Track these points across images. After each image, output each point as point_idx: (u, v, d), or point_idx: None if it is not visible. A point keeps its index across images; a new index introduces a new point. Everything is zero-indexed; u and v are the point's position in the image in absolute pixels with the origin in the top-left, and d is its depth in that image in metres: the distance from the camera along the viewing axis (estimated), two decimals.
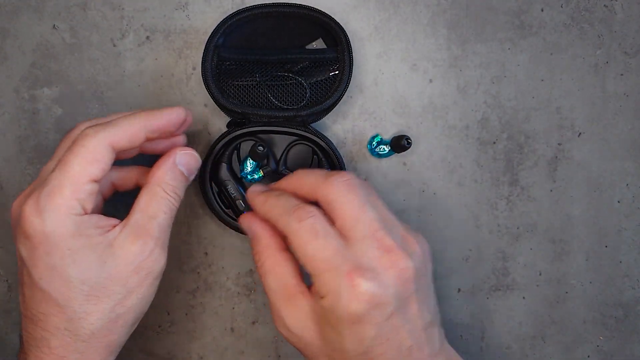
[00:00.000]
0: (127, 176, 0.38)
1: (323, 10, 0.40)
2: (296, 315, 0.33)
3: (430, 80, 0.43)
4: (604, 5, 0.42)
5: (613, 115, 0.43)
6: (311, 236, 0.32)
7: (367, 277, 0.30)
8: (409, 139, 0.39)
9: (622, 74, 0.43)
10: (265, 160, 0.41)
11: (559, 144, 0.43)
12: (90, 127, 0.33)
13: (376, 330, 0.31)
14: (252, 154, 0.39)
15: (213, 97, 0.39)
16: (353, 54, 0.40)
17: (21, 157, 0.43)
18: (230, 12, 0.40)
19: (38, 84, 0.43)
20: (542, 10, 0.42)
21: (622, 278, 0.44)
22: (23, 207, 0.31)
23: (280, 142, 0.41)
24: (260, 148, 0.38)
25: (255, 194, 0.36)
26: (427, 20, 0.42)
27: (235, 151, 0.41)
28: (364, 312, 0.30)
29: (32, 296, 0.32)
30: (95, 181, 0.32)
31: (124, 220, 0.33)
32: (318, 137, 0.40)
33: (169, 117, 0.35)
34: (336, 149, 0.40)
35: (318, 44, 0.41)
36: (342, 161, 0.40)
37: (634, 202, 0.44)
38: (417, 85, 0.43)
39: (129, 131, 0.33)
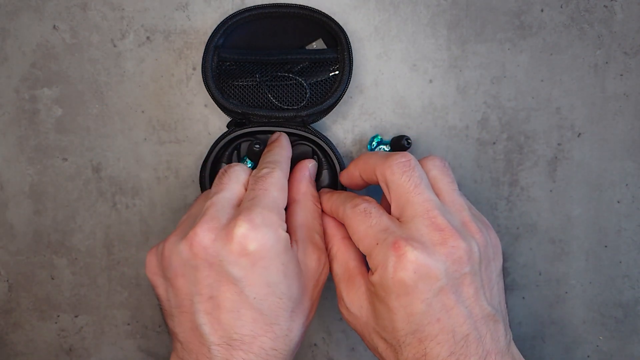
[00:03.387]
0: None
1: (323, 11, 0.40)
2: (354, 295, 0.34)
3: (430, 81, 0.43)
4: (604, 5, 0.42)
5: (613, 115, 0.43)
6: (364, 217, 0.33)
7: (414, 246, 0.30)
8: (409, 139, 0.39)
9: (622, 74, 0.43)
10: None
11: (559, 144, 0.43)
12: (265, 166, 0.35)
13: (425, 306, 0.30)
14: (249, 153, 0.39)
15: (213, 98, 0.39)
16: (353, 54, 0.40)
17: (21, 157, 0.43)
18: (231, 13, 0.41)
19: (38, 84, 0.43)
20: (542, 11, 0.42)
21: (622, 278, 0.44)
22: (235, 229, 0.31)
23: None
24: (257, 146, 0.38)
25: (323, 194, 0.39)
26: (427, 21, 0.42)
27: (235, 151, 0.41)
28: (411, 281, 0.30)
29: (239, 318, 0.32)
30: (284, 207, 0.34)
31: (291, 236, 0.35)
32: (318, 137, 0.40)
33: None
34: (336, 149, 0.40)
35: (318, 44, 0.41)
36: (342, 161, 0.40)
37: (634, 202, 0.44)
38: (417, 85, 0.43)
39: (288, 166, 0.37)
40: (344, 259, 0.36)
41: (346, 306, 0.35)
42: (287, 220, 0.35)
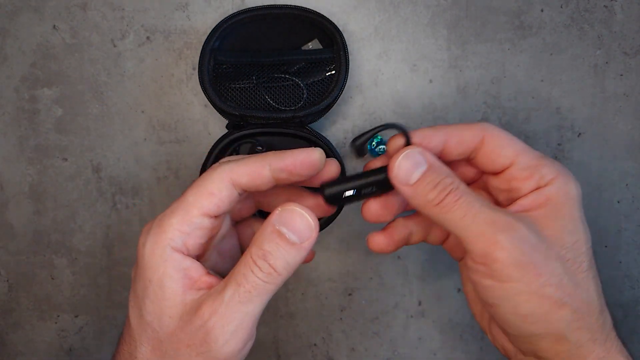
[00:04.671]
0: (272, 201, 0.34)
1: (317, 11, 0.40)
2: (514, 240, 0.29)
3: (430, 81, 0.43)
4: (604, 5, 0.42)
5: (613, 115, 0.43)
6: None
7: None
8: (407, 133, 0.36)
9: (622, 74, 0.43)
10: None
11: (559, 144, 0.43)
12: (218, 163, 0.31)
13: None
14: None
15: (211, 101, 0.40)
16: (351, 54, 0.40)
17: (21, 157, 0.43)
18: (230, 13, 0.41)
19: (38, 84, 0.43)
20: (542, 11, 0.42)
21: (622, 278, 0.44)
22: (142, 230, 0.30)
23: (279, 144, 0.41)
24: (259, 148, 0.38)
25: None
26: (427, 21, 0.42)
27: (234, 153, 0.41)
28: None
29: (130, 309, 0.31)
30: (209, 216, 0.29)
31: (214, 286, 0.29)
32: (316, 137, 0.40)
33: (297, 157, 0.30)
34: (335, 150, 0.40)
35: (314, 44, 0.41)
36: (342, 162, 0.40)
37: (634, 202, 0.44)
38: (417, 85, 0.43)
39: (251, 168, 0.30)
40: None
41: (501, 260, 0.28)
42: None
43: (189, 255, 0.29)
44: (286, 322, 0.45)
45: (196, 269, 0.29)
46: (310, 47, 0.41)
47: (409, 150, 0.30)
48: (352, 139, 0.32)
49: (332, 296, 0.44)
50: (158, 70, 0.43)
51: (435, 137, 0.31)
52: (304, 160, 0.30)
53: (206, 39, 0.40)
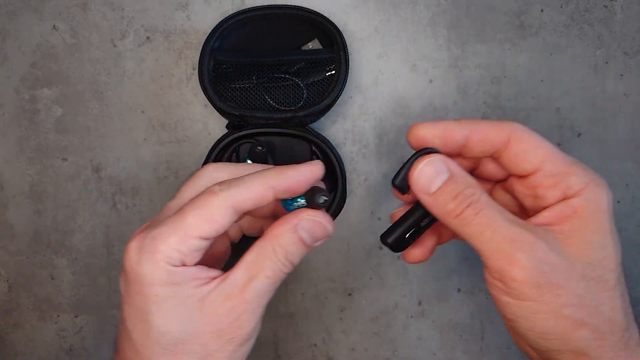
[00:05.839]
0: (254, 225, 0.35)
1: (317, 11, 0.40)
2: (533, 260, 0.28)
3: (430, 81, 0.43)
4: (604, 5, 0.42)
5: (613, 116, 0.43)
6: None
7: None
8: (326, 195, 0.31)
9: (622, 74, 0.43)
10: (265, 162, 0.41)
11: (559, 144, 0.43)
12: (218, 184, 0.30)
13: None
14: (251, 155, 0.39)
15: (211, 101, 0.40)
16: (351, 54, 0.40)
17: (21, 157, 0.43)
18: (230, 13, 0.41)
19: (38, 84, 0.43)
20: (542, 11, 0.42)
21: None
22: (129, 242, 0.30)
23: (279, 144, 0.41)
24: (259, 148, 0.38)
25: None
26: (427, 21, 0.42)
27: (234, 154, 0.41)
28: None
29: (120, 330, 0.31)
30: (208, 239, 0.30)
31: (225, 274, 0.30)
32: (316, 137, 0.40)
33: (300, 176, 0.30)
34: (335, 149, 0.40)
35: (314, 44, 0.41)
36: (342, 162, 0.40)
37: (634, 202, 0.44)
38: (417, 85, 0.43)
39: (255, 192, 0.30)
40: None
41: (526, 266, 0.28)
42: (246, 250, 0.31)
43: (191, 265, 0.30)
44: (286, 322, 0.45)
45: (200, 270, 0.30)
46: (310, 47, 0.41)
47: (431, 157, 0.30)
48: (391, 180, 0.32)
49: (332, 296, 0.44)
50: (158, 70, 0.43)
51: (459, 131, 0.31)
52: (307, 178, 0.30)
53: (206, 39, 0.40)
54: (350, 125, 0.43)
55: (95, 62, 0.43)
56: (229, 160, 0.41)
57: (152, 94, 0.43)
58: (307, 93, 0.40)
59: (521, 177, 0.31)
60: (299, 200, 0.32)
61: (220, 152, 0.40)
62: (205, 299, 0.29)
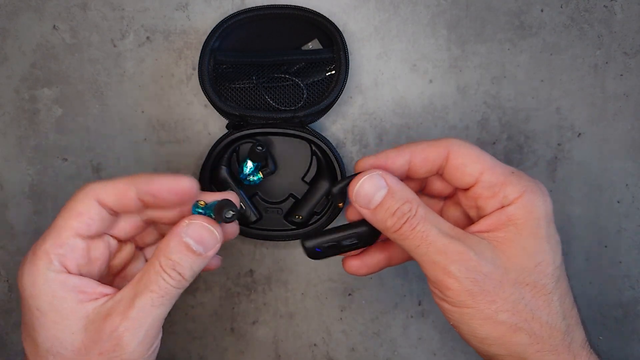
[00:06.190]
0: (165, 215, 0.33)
1: (317, 11, 0.40)
2: (465, 269, 0.29)
3: (430, 81, 0.43)
4: (604, 5, 0.42)
5: (613, 115, 0.43)
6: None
7: None
8: (234, 208, 0.30)
9: (621, 74, 0.43)
10: (265, 162, 0.41)
11: (559, 145, 0.43)
12: (88, 183, 0.30)
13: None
14: (252, 155, 0.39)
15: (211, 101, 0.40)
16: (351, 54, 0.40)
17: (21, 157, 0.43)
18: (230, 13, 0.41)
19: (38, 84, 0.43)
20: (542, 11, 0.42)
21: (621, 278, 0.44)
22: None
23: (279, 144, 0.41)
24: (260, 148, 0.38)
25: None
26: (427, 21, 0.42)
27: (234, 154, 0.41)
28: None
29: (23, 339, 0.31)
30: (82, 236, 0.30)
31: (117, 292, 0.30)
32: (316, 137, 0.40)
33: (165, 184, 0.30)
34: (335, 149, 0.40)
35: (314, 44, 0.41)
36: (342, 162, 0.40)
37: (634, 202, 0.44)
38: (417, 85, 0.43)
39: (117, 188, 0.30)
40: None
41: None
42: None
43: (76, 273, 0.30)
44: (286, 322, 0.45)
45: (87, 283, 0.29)
46: (310, 47, 0.41)
47: (370, 173, 0.31)
48: (329, 190, 0.33)
49: (332, 296, 0.44)
50: (158, 70, 0.43)
51: (400, 158, 0.32)
52: (170, 187, 0.30)
53: (206, 39, 0.40)
54: (350, 125, 0.43)
55: (95, 62, 0.43)
56: (229, 159, 0.41)
57: (152, 94, 0.43)
58: (307, 93, 0.40)
59: (464, 190, 0.32)
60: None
61: (221, 152, 0.40)
62: (89, 316, 0.29)
